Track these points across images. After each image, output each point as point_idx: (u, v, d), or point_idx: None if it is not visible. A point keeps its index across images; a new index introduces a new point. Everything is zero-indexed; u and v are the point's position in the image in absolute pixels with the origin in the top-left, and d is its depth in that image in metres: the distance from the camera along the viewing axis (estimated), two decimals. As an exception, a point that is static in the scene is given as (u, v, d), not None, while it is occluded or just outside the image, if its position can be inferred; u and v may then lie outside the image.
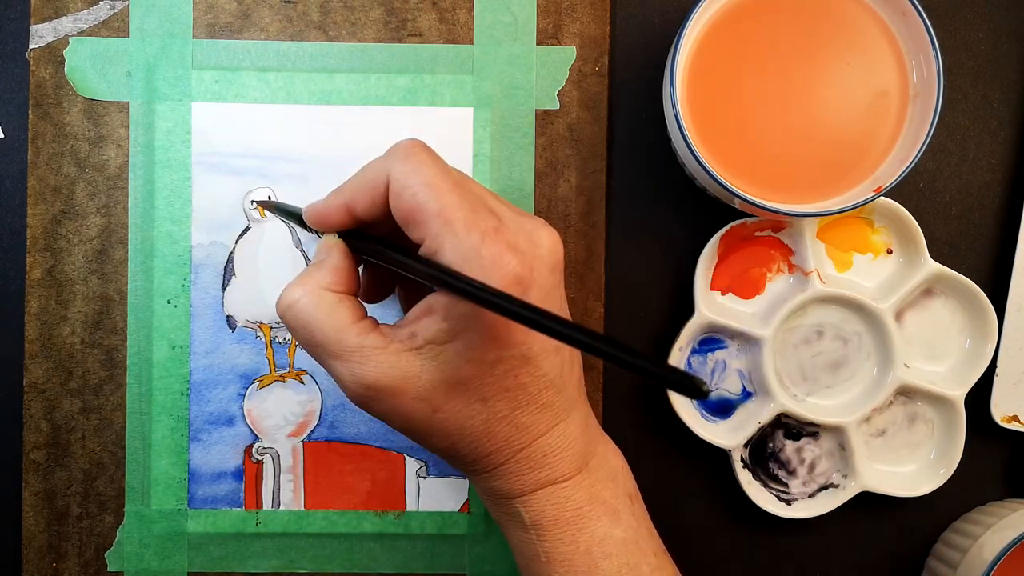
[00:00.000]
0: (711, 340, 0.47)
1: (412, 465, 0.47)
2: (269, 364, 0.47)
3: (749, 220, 0.46)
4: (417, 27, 0.46)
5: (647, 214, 0.48)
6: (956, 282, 0.46)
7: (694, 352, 0.47)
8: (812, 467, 0.47)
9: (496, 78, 0.46)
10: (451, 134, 0.46)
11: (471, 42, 0.46)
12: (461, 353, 0.35)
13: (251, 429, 0.47)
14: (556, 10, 0.46)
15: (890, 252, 0.47)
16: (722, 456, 0.47)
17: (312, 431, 0.47)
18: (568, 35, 0.46)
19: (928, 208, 0.48)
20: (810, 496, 0.47)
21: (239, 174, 0.46)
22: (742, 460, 0.47)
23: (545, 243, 0.36)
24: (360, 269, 0.40)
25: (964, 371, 0.47)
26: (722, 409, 0.47)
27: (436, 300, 0.35)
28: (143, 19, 0.46)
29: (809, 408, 0.46)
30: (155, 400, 0.46)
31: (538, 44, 0.46)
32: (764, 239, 0.47)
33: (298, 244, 0.47)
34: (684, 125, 0.41)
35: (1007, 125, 0.48)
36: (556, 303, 0.37)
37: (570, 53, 0.46)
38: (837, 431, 0.46)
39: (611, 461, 0.39)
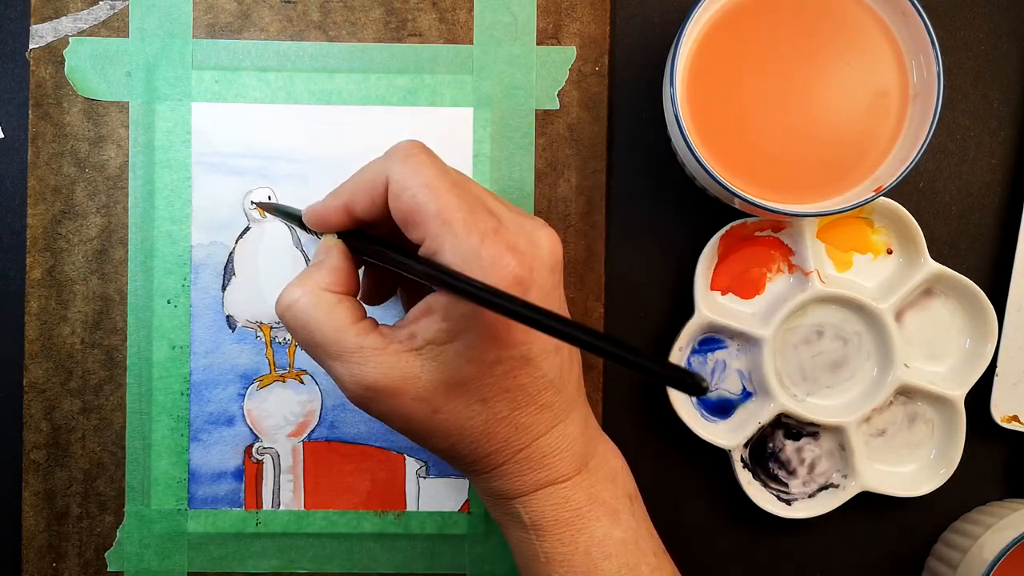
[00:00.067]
0: (711, 340, 0.47)
1: (412, 465, 0.47)
2: (269, 364, 0.47)
3: (749, 220, 0.46)
4: (417, 27, 0.46)
5: (647, 214, 0.48)
6: (956, 282, 0.46)
7: (694, 352, 0.47)
8: (812, 467, 0.47)
9: (496, 78, 0.46)
10: (451, 134, 0.46)
11: (471, 42, 0.46)
12: (461, 353, 0.35)
13: (251, 429, 0.47)
14: (556, 10, 0.46)
15: (890, 252, 0.47)
16: (722, 456, 0.47)
17: (312, 431, 0.47)
18: (568, 35, 0.46)
19: (928, 208, 0.48)
20: (810, 496, 0.47)
21: (239, 174, 0.46)
22: (742, 460, 0.47)
23: (545, 244, 0.36)
24: (361, 272, 0.40)
25: (964, 371, 0.47)
26: (722, 409, 0.47)
27: (436, 300, 0.35)
28: (143, 19, 0.46)
29: (809, 408, 0.46)
30: (155, 400, 0.46)
31: (538, 44, 0.46)
32: (764, 239, 0.47)
33: (298, 244, 0.47)
34: (684, 125, 0.41)
35: (1007, 125, 0.48)
36: (556, 303, 0.37)
37: (570, 53, 0.46)
38: (837, 431, 0.46)
39: (610, 461, 0.39)
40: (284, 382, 0.47)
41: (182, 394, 0.46)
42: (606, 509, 0.38)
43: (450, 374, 0.35)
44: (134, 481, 0.46)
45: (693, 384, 0.27)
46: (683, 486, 0.48)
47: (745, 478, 0.47)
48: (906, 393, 0.47)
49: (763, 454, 0.47)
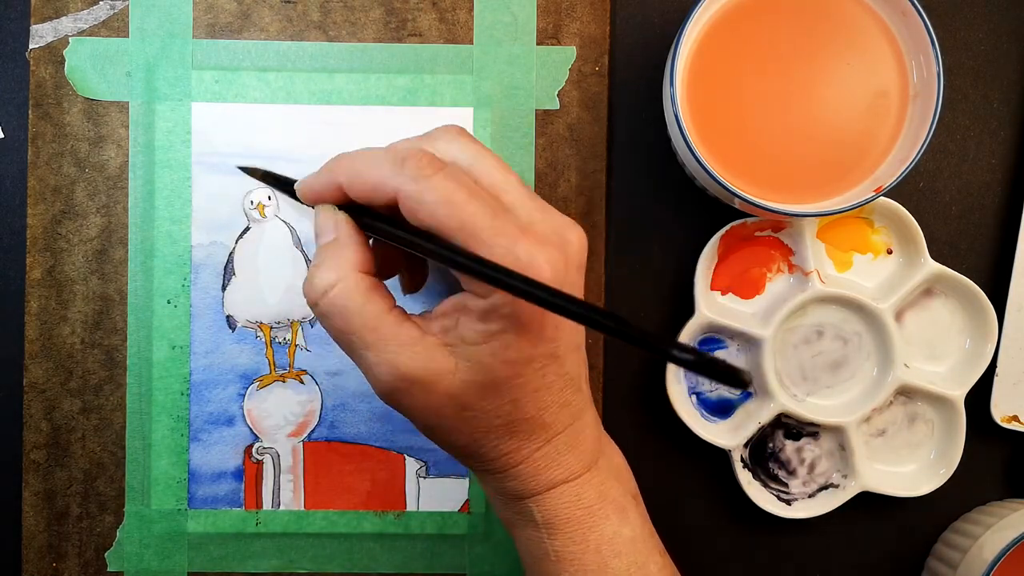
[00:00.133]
0: (711, 340, 0.47)
1: (412, 465, 0.47)
2: (269, 364, 0.47)
3: (749, 220, 0.46)
4: (417, 27, 0.46)
5: (647, 214, 0.48)
6: (956, 282, 0.46)
7: (694, 352, 0.47)
8: (812, 467, 0.47)
9: (496, 78, 0.46)
10: (451, 134, 0.46)
11: (471, 42, 0.46)
12: (497, 354, 0.34)
13: (251, 429, 0.47)
14: (556, 10, 0.46)
15: (890, 252, 0.47)
16: (722, 456, 0.47)
17: (312, 431, 0.47)
18: (568, 35, 0.46)
19: (928, 208, 0.48)
20: (810, 496, 0.47)
21: (239, 174, 0.46)
22: (742, 460, 0.47)
23: (575, 241, 0.36)
24: None
25: (964, 371, 0.47)
26: (722, 409, 0.47)
27: (471, 301, 0.34)
28: (143, 19, 0.46)
29: (809, 408, 0.46)
30: (155, 400, 0.46)
31: (538, 44, 0.46)
32: (764, 239, 0.47)
33: (298, 244, 0.47)
34: (684, 125, 0.41)
35: (1007, 125, 0.48)
36: None
37: (570, 53, 0.46)
38: (837, 431, 0.46)
39: (615, 459, 0.40)
40: (284, 382, 0.47)
41: (182, 394, 0.46)
42: (615, 507, 0.38)
43: (484, 375, 0.35)
44: (134, 481, 0.46)
45: (738, 380, 0.30)
46: (683, 486, 0.48)
47: (745, 478, 0.47)
48: (906, 393, 0.47)
49: (763, 454, 0.47)
